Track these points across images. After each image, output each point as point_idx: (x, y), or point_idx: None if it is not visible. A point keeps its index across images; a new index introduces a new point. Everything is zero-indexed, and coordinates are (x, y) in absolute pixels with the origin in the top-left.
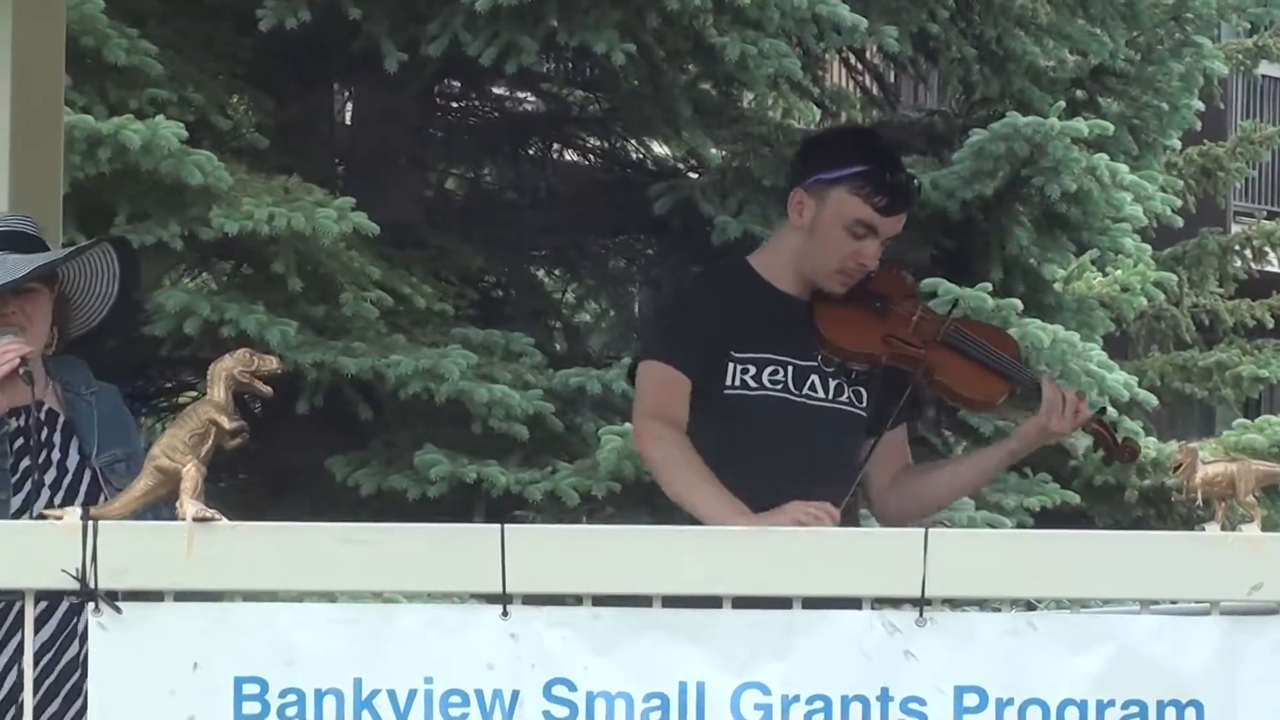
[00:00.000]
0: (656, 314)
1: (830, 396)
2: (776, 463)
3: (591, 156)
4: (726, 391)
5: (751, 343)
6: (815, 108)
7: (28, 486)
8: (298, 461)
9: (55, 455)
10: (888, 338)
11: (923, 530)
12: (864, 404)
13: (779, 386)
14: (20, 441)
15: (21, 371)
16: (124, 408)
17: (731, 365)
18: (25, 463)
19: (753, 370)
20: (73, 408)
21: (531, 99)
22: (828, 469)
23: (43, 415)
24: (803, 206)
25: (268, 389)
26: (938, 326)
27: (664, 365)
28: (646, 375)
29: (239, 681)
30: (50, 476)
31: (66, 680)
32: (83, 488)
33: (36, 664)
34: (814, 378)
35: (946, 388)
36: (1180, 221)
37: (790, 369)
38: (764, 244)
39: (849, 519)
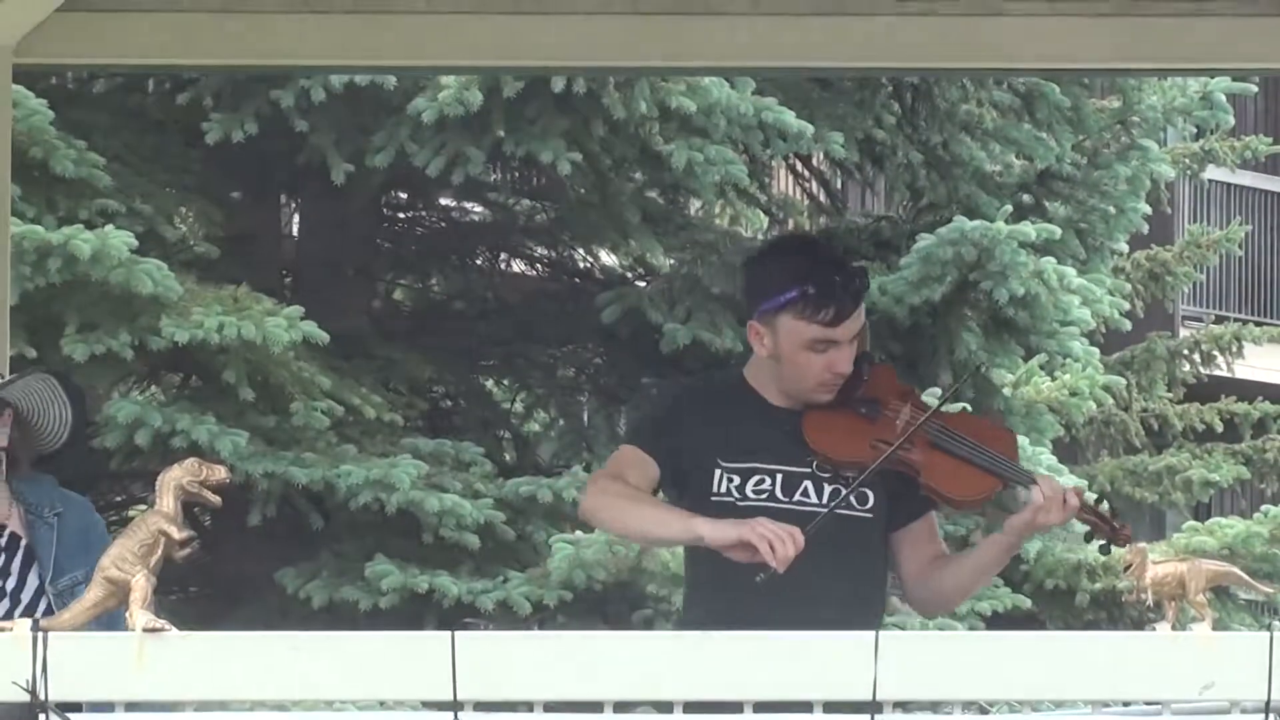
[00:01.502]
0: (645, 409)
1: (825, 501)
2: (772, 570)
3: (539, 265)
4: (713, 499)
5: (738, 454)
6: (763, 214)
7: None
8: (248, 573)
9: (11, 584)
10: (875, 442)
11: (873, 633)
12: (869, 505)
13: (764, 496)
14: None
15: None
16: (93, 521)
17: (719, 473)
18: None
19: (737, 480)
20: (34, 531)
21: (478, 209)
22: (828, 570)
23: (3, 541)
24: (761, 337)
25: (217, 499)
26: (927, 427)
27: (637, 449)
28: (617, 454)
29: None
30: (2, 608)
31: None
32: (39, 614)
33: None
34: (807, 484)
35: (933, 489)
36: (1128, 325)
37: (779, 477)
38: (752, 358)
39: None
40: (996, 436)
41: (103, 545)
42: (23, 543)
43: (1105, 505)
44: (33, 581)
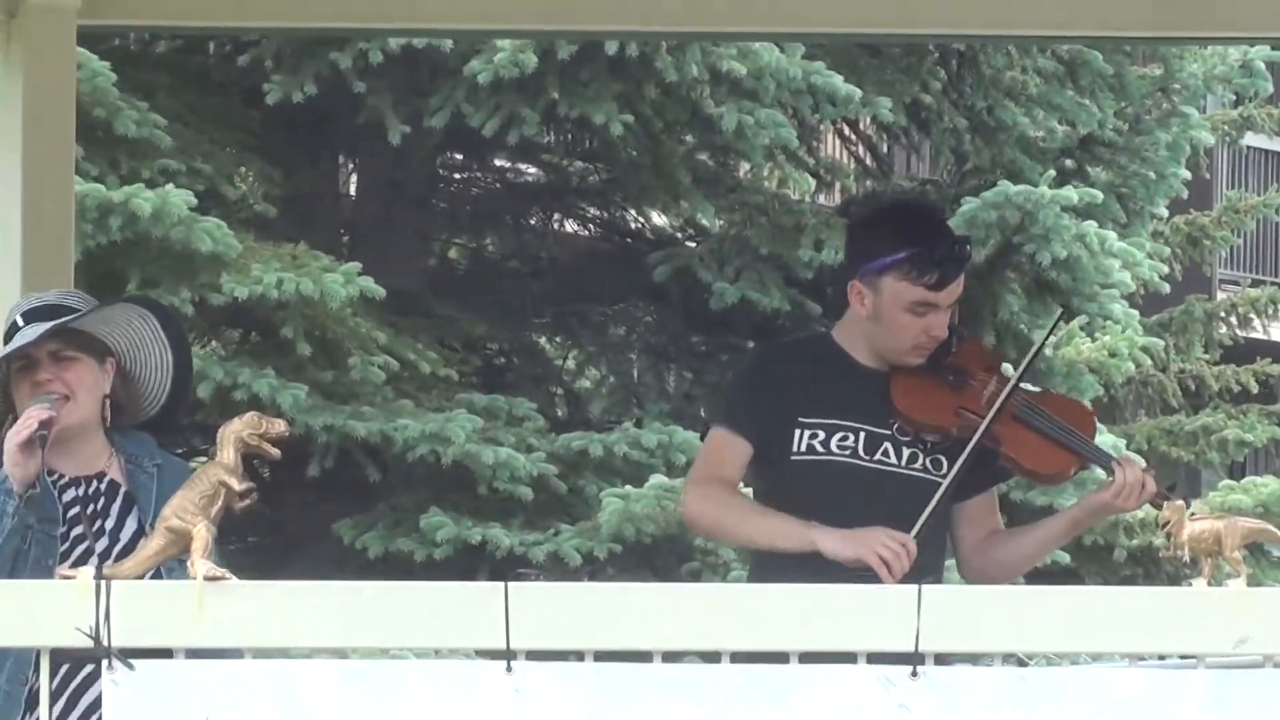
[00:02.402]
0: (731, 379)
1: (904, 463)
2: (846, 522)
3: (591, 226)
4: (793, 457)
5: (822, 410)
6: (810, 178)
7: (76, 554)
8: (306, 524)
9: (109, 524)
10: (959, 410)
11: (916, 587)
12: (943, 471)
13: (847, 452)
14: (77, 510)
15: (39, 437)
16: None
17: (799, 431)
18: (77, 530)
19: (821, 435)
20: (134, 480)
21: (532, 170)
22: (900, 529)
23: (104, 486)
24: (863, 297)
25: (276, 452)
26: (1012, 400)
27: (725, 430)
28: (708, 441)
29: None
30: (101, 545)
31: None
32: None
33: None
34: (887, 444)
35: (1014, 460)
36: (1167, 288)
37: (862, 435)
38: (843, 319)
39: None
40: (1080, 416)
41: None
42: (122, 489)
43: (1173, 487)
44: (131, 525)
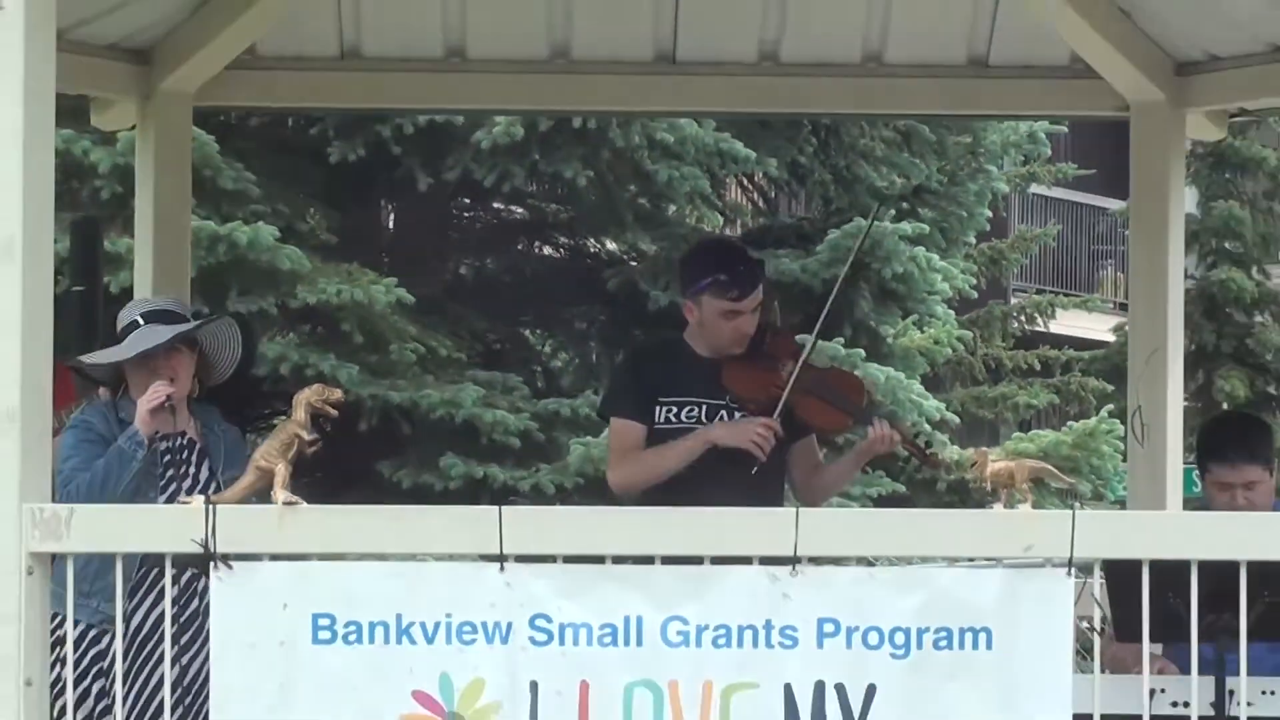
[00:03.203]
0: (612, 375)
1: None
2: (699, 474)
3: (562, 250)
4: (657, 427)
5: (674, 390)
6: (719, 216)
7: (170, 490)
8: (357, 465)
9: (191, 470)
10: (768, 386)
11: (795, 510)
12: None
13: (693, 420)
14: (169, 458)
15: (166, 406)
16: (242, 443)
17: (659, 407)
18: (170, 473)
19: (675, 409)
20: (207, 439)
21: (520, 210)
22: (744, 476)
23: (185, 442)
24: (692, 311)
25: (335, 412)
26: (803, 377)
27: (622, 419)
28: (612, 431)
29: (315, 616)
30: (186, 485)
31: (190, 625)
32: (210, 493)
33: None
34: (722, 413)
35: (804, 420)
36: (975, 295)
37: (704, 407)
38: (689, 326)
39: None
40: (854, 387)
41: (245, 458)
42: (197, 446)
43: (922, 439)
44: (204, 473)
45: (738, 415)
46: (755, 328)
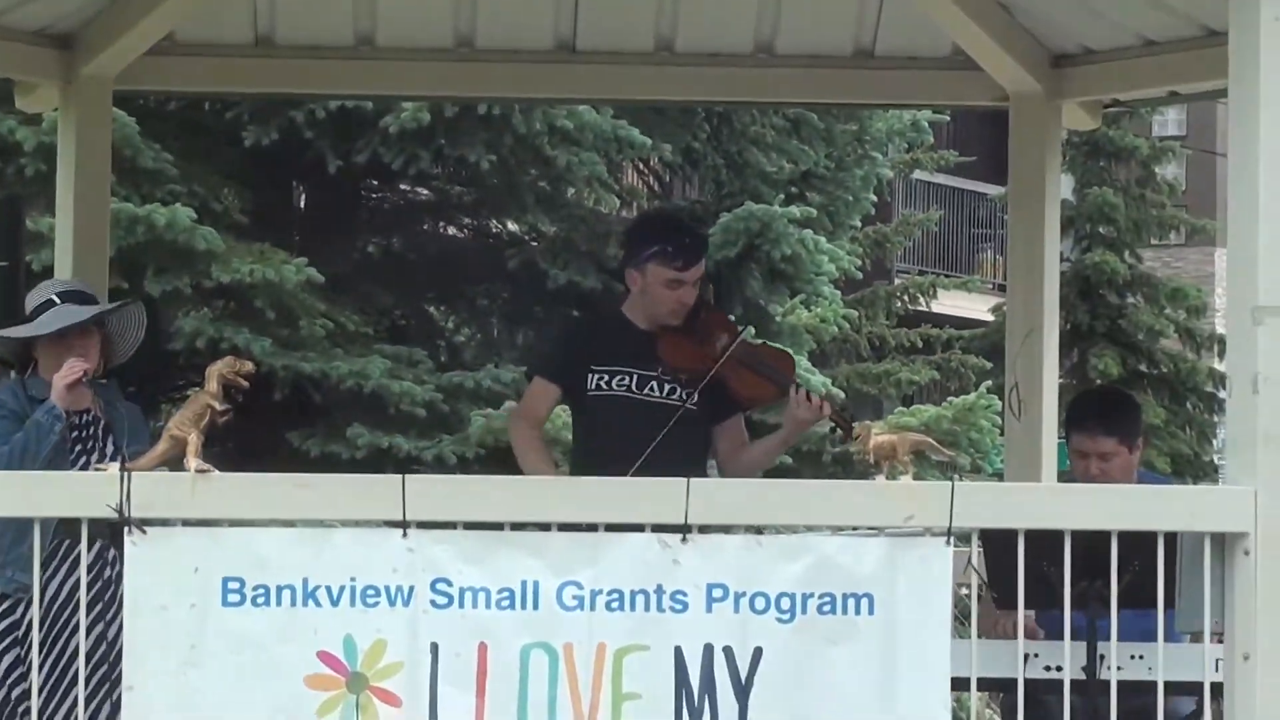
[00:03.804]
0: (545, 342)
1: (664, 395)
2: (625, 440)
3: (465, 231)
4: (589, 393)
5: (607, 359)
6: (616, 199)
7: (81, 463)
8: (267, 435)
9: (99, 444)
10: (703, 356)
11: (686, 480)
12: (695, 401)
13: (624, 388)
14: (77, 434)
15: (85, 381)
16: (143, 418)
17: (591, 375)
18: (80, 448)
19: (606, 377)
20: (110, 415)
21: (425, 192)
22: (663, 444)
23: (92, 418)
24: (636, 280)
25: (246, 384)
26: (737, 350)
27: (540, 379)
28: (530, 387)
29: (225, 580)
30: (95, 459)
31: (106, 592)
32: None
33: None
34: (653, 383)
35: (735, 391)
36: (861, 276)
37: (635, 376)
38: (628, 298)
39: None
40: (784, 361)
41: (146, 433)
42: (102, 421)
43: (846, 411)
44: (110, 447)
45: (668, 386)
46: (694, 299)
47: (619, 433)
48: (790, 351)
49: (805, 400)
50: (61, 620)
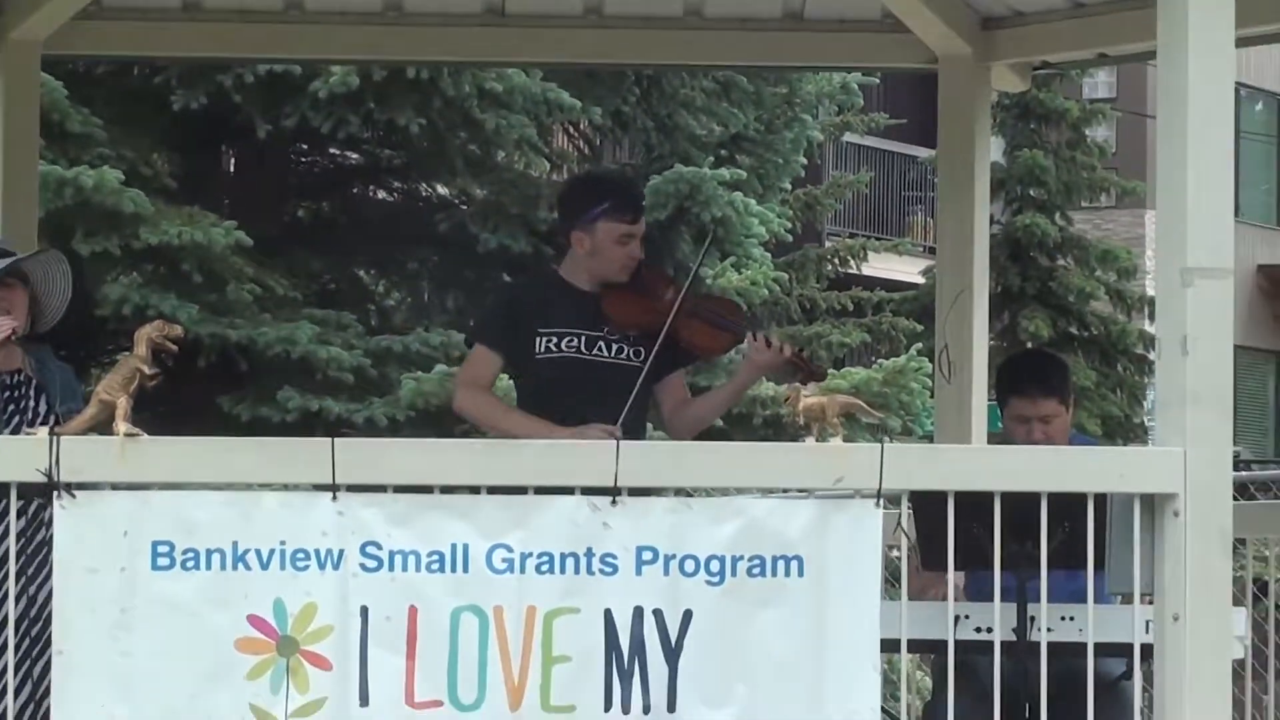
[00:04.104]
0: (485, 309)
1: (612, 355)
2: (575, 400)
3: (395, 194)
4: (538, 357)
5: (552, 322)
6: (546, 162)
7: (13, 424)
8: (197, 399)
9: (31, 404)
10: (652, 310)
11: (616, 442)
12: (643, 359)
13: (573, 350)
14: (8, 394)
15: (14, 339)
16: (76, 379)
17: (538, 338)
18: (11, 408)
19: (554, 339)
20: (42, 376)
21: (355, 156)
22: (612, 402)
23: (23, 378)
24: (582, 241)
25: (175, 348)
26: (685, 302)
27: (482, 347)
28: (471, 354)
29: (155, 544)
30: (28, 419)
31: (37, 555)
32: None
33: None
34: (601, 343)
35: (690, 342)
36: (791, 239)
37: (582, 337)
38: (565, 259)
39: (636, 434)
40: (733, 310)
41: (79, 393)
42: (34, 382)
43: (807, 353)
44: (43, 407)
45: (615, 345)
46: (642, 253)
47: (570, 395)
48: (738, 300)
49: (764, 345)
50: None
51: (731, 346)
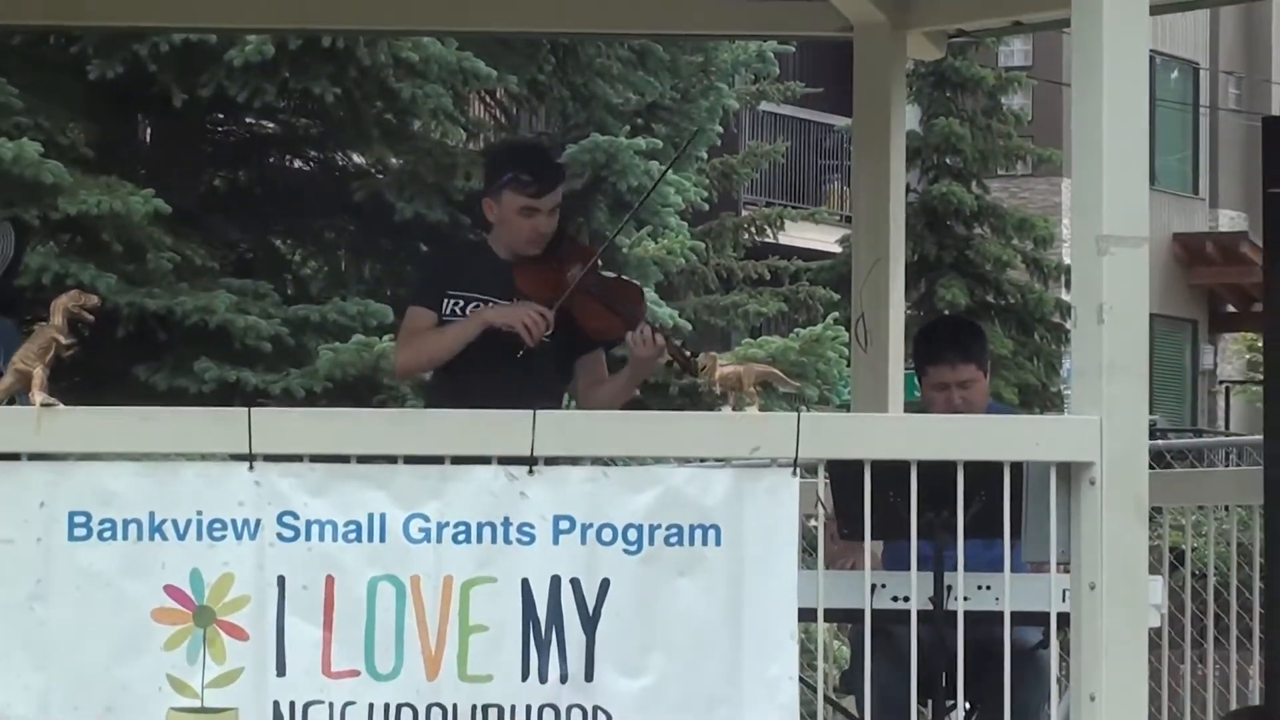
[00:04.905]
0: (416, 274)
1: None
2: (476, 370)
3: (311, 164)
4: (443, 318)
5: (464, 286)
6: (462, 131)
7: None
8: (114, 368)
9: None
10: (556, 286)
11: (532, 412)
12: (553, 333)
13: None
14: None
15: None
16: (17, 333)
17: (448, 300)
18: None
19: (461, 304)
20: None
21: (271, 125)
22: (518, 370)
23: None
24: (491, 209)
25: (92, 317)
26: (586, 280)
27: (416, 306)
28: (406, 317)
29: (71, 514)
30: None
31: None
32: None
33: None
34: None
35: (581, 323)
36: (708, 207)
37: (490, 305)
38: (492, 231)
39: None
40: (634, 296)
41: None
42: None
43: (684, 346)
44: None
45: None
46: (553, 230)
47: (470, 362)
48: (640, 285)
49: (642, 339)
50: None
51: (622, 333)
